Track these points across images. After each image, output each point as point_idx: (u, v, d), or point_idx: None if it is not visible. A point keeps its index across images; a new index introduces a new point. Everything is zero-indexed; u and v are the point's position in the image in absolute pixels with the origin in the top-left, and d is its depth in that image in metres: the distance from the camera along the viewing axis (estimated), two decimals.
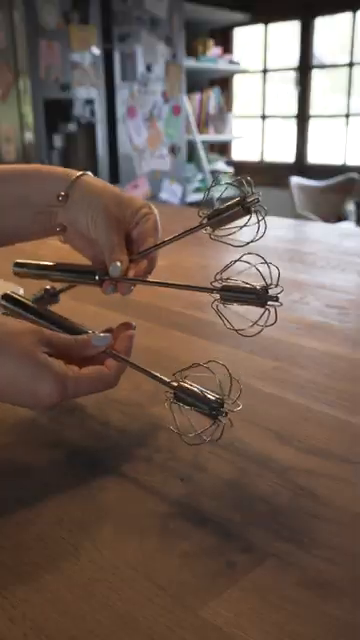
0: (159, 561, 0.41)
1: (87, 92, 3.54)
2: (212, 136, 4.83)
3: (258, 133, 5.09)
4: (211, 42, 4.61)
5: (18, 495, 0.49)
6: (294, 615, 0.37)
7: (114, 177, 3.79)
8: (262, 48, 4.88)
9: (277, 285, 0.49)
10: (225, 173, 4.90)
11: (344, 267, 1.20)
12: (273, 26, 4.79)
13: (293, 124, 4.83)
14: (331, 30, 4.57)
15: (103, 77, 3.61)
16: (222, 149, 5.21)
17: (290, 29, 4.66)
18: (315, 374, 0.71)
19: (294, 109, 4.79)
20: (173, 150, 4.16)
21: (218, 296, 0.51)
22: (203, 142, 4.62)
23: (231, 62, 4.75)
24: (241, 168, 5.07)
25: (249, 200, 0.52)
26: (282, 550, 0.42)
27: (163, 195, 4.13)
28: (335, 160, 4.67)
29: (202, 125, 4.77)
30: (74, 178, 0.58)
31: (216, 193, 0.55)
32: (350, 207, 4.20)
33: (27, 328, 0.49)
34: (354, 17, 4.28)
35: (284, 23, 4.71)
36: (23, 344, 0.47)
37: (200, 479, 0.50)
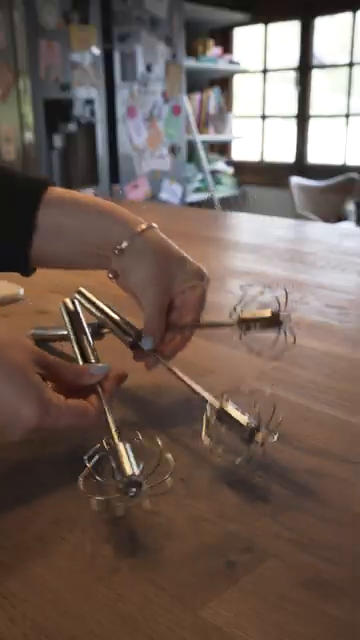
0: (159, 561, 0.41)
1: (87, 92, 3.54)
2: (212, 136, 4.82)
3: (258, 133, 5.08)
4: (211, 42, 4.61)
5: (18, 494, 0.49)
6: (294, 615, 0.37)
7: (114, 177, 3.79)
8: (262, 48, 4.87)
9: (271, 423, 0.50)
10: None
11: (344, 267, 1.20)
12: (273, 26, 4.78)
13: (293, 124, 4.82)
14: (331, 30, 4.57)
15: (103, 77, 3.60)
16: (222, 149, 5.21)
17: (290, 29, 4.65)
18: (315, 374, 0.71)
19: (294, 109, 4.78)
20: (173, 150, 4.16)
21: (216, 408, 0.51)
22: (203, 142, 4.61)
23: (231, 62, 4.74)
24: (241, 168, 5.07)
25: (280, 315, 0.57)
26: (282, 550, 0.42)
27: (163, 195, 4.12)
28: (335, 160, 4.66)
29: (202, 125, 4.76)
30: (136, 232, 0.57)
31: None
32: (350, 207, 4.19)
33: (21, 344, 0.48)
34: (354, 17, 4.27)
35: (284, 23, 4.70)
36: (14, 358, 0.46)
37: (200, 479, 0.50)
